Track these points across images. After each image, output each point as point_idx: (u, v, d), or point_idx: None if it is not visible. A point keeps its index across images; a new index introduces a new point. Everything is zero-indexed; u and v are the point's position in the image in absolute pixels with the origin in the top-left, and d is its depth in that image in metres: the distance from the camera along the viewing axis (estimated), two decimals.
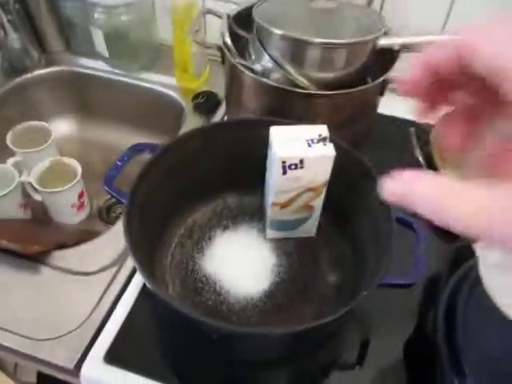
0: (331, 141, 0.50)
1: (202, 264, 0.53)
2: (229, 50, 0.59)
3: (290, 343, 0.45)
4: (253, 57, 0.61)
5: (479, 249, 0.39)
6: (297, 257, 0.55)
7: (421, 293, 0.54)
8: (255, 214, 0.58)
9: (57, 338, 0.47)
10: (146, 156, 0.52)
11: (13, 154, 0.74)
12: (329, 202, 0.57)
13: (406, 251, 0.44)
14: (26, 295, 0.51)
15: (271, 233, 0.56)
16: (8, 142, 0.73)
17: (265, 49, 0.58)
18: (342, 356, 0.50)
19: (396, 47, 0.62)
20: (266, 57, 0.58)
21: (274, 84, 0.56)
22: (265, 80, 0.57)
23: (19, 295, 0.51)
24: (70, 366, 0.45)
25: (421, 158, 0.61)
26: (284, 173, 0.47)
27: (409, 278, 0.41)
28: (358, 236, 0.53)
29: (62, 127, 0.88)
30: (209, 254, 0.54)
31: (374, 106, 0.65)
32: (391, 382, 0.48)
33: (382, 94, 0.62)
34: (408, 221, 0.45)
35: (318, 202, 0.53)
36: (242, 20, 0.62)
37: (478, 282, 0.48)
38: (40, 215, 0.75)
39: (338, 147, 0.52)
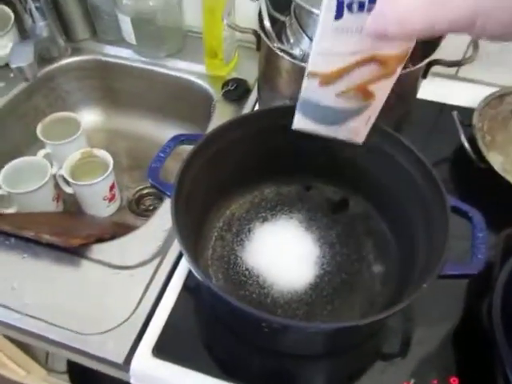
0: (378, 128, 0.48)
1: (244, 257, 0.52)
2: (266, 34, 0.57)
3: (339, 337, 0.44)
4: (291, 41, 0.58)
5: None
6: (340, 247, 0.53)
7: (471, 282, 0.52)
8: (294, 205, 0.57)
9: (104, 332, 0.47)
10: (184, 148, 0.50)
11: (42, 146, 0.74)
12: (373, 192, 0.56)
13: (461, 241, 0.43)
14: (69, 289, 0.51)
15: (300, 120, 0.40)
16: (38, 133, 0.73)
17: (304, 31, 0.56)
18: (384, 346, 0.49)
19: None
20: (306, 40, 0.56)
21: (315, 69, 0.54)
22: (303, 64, 0.55)
23: (63, 289, 0.51)
24: (120, 360, 0.45)
25: (467, 144, 0.59)
26: (338, 16, 0.29)
27: (468, 268, 0.40)
28: (406, 225, 0.51)
29: (90, 117, 0.87)
30: (249, 247, 0.53)
31: (416, 89, 0.62)
32: (435, 374, 0.46)
33: (424, 76, 0.60)
34: (463, 209, 0.43)
35: (384, 88, 0.35)
36: (278, 2, 0.60)
37: None
38: (71, 208, 0.75)
39: (385, 135, 0.50)
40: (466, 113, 0.64)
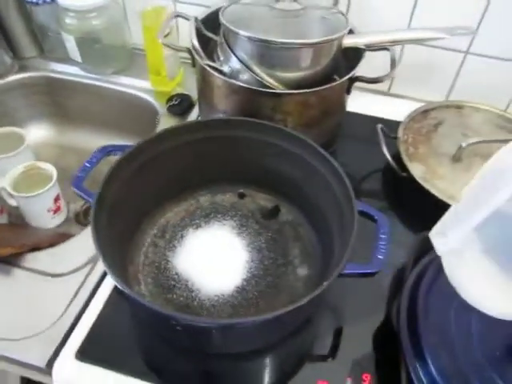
0: (302, 140, 0.52)
1: (175, 262, 0.54)
2: (197, 52, 0.60)
3: (257, 334, 0.46)
4: (221, 58, 0.62)
5: (432, 237, 0.41)
6: (268, 252, 0.56)
7: (389, 283, 0.56)
8: (227, 212, 0.60)
9: (28, 337, 0.48)
10: (116, 158, 0.52)
11: None
12: (300, 200, 0.59)
13: (370, 243, 0.46)
14: (1, 299, 0.51)
15: None
16: None
17: (232, 50, 0.59)
18: (314, 347, 0.51)
19: (361, 46, 0.64)
20: (234, 58, 0.59)
21: (242, 85, 0.58)
22: (233, 81, 0.59)
23: None
24: (42, 364, 0.46)
25: (387, 154, 0.63)
26: None
27: (369, 267, 0.43)
28: (327, 231, 0.54)
29: (38, 133, 0.89)
30: (181, 253, 0.55)
31: (342, 104, 0.67)
32: (360, 370, 0.49)
33: (348, 92, 0.64)
34: (370, 213, 0.47)
35: None
36: (212, 23, 0.64)
37: (439, 271, 0.50)
38: (16, 220, 0.75)
39: (308, 147, 0.53)
40: (395, 126, 0.69)
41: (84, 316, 0.50)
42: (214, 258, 0.54)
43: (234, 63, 0.60)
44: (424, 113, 0.73)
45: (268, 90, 0.57)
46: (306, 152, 0.54)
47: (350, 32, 0.66)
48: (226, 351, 0.50)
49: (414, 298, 0.48)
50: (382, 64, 0.63)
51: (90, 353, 0.48)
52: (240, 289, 0.52)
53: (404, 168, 0.63)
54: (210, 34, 0.65)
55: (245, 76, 0.60)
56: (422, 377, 0.43)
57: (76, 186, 0.47)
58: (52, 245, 0.59)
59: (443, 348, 0.44)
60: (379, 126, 0.66)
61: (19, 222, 0.75)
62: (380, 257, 0.43)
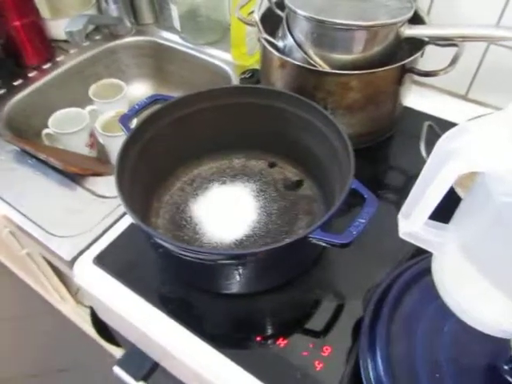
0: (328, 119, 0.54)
1: (192, 207, 0.61)
2: (258, 26, 0.65)
3: (245, 274, 0.50)
4: (280, 35, 0.66)
5: (399, 219, 0.40)
6: (276, 218, 0.59)
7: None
8: (253, 177, 0.64)
9: (65, 236, 0.60)
10: None
11: (92, 104, 0.90)
12: (322, 178, 0.61)
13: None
14: (56, 204, 0.64)
15: None
16: (90, 92, 0.89)
17: (288, 28, 0.63)
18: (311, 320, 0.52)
19: (424, 38, 0.62)
20: (289, 36, 0.63)
21: (288, 59, 0.61)
22: (281, 55, 0.63)
23: (52, 202, 0.65)
24: (68, 258, 0.57)
25: (424, 152, 0.60)
26: None
27: (338, 238, 0.43)
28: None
29: (139, 89, 1.03)
30: (200, 201, 0.61)
31: (393, 94, 0.65)
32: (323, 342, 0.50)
33: (400, 82, 0.63)
34: (361, 192, 0.47)
35: None
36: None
37: (418, 274, 0.48)
38: (103, 156, 0.90)
39: (313, 110, 0.55)
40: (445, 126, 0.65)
41: (110, 231, 0.60)
42: (225, 212, 0.60)
43: (289, 40, 0.63)
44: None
45: (310, 67, 0.60)
46: (329, 130, 0.56)
47: (421, 22, 0.64)
48: (216, 289, 0.54)
49: (385, 295, 0.47)
50: (464, 68, 0.59)
51: (105, 261, 0.57)
52: (238, 242, 0.57)
53: None
54: (278, 12, 0.69)
55: (297, 54, 0.63)
56: (370, 373, 0.43)
57: (121, 121, 0.56)
58: (111, 175, 0.70)
59: (400, 351, 0.43)
60: (426, 122, 0.63)
61: (104, 157, 0.90)
62: (353, 231, 0.44)
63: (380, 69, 0.59)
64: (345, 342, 0.50)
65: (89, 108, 0.89)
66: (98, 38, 0.98)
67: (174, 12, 0.90)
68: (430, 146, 0.61)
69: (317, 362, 0.48)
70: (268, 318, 0.53)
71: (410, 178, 0.67)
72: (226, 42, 0.93)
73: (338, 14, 0.59)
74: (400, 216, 0.39)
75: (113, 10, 0.94)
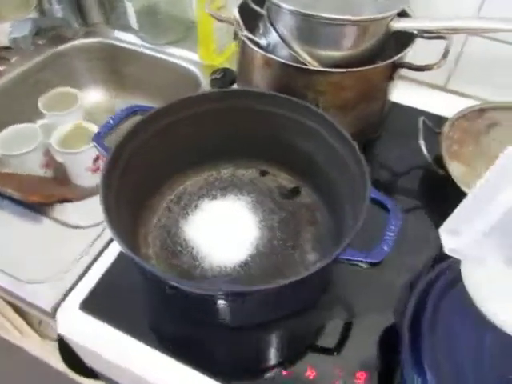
0: (318, 115, 0.50)
1: (185, 229, 0.55)
2: (237, 23, 0.59)
3: (252, 307, 0.45)
4: (261, 31, 0.61)
5: (442, 233, 0.37)
6: (279, 232, 0.54)
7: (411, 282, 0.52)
8: (245, 187, 0.59)
9: (40, 282, 0.51)
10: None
11: (44, 117, 0.80)
12: (321, 183, 0.57)
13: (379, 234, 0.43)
14: (22, 241, 0.55)
15: None
16: (39, 105, 0.79)
17: (272, 24, 0.58)
18: (321, 339, 0.49)
19: (413, 31, 0.59)
20: (273, 32, 0.58)
21: (274, 57, 0.56)
22: (267, 54, 0.57)
23: (16, 240, 0.55)
24: (48, 308, 0.49)
25: (424, 149, 0.58)
26: None
27: (370, 256, 0.40)
28: (343, 219, 0.52)
29: (94, 96, 0.93)
30: (192, 221, 0.55)
31: (384, 90, 0.62)
32: (356, 368, 0.46)
33: (391, 78, 0.60)
34: (383, 202, 0.44)
35: None
36: None
37: (453, 281, 0.45)
38: (61, 176, 0.80)
39: (322, 120, 0.51)
40: (442, 122, 0.64)
41: (93, 268, 0.53)
42: (223, 231, 0.54)
43: (273, 37, 0.58)
44: (479, 111, 0.66)
45: (301, 66, 0.55)
46: (329, 133, 0.52)
47: (405, 15, 0.61)
48: (221, 322, 0.49)
49: (422, 305, 0.44)
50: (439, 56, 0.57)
51: (93, 305, 0.50)
52: (243, 264, 0.51)
53: (443, 166, 0.58)
54: (256, 7, 0.64)
55: (283, 52, 0.58)
56: None
57: (95, 140, 0.49)
58: (80, 199, 0.62)
59: (449, 367, 0.40)
60: (421, 118, 0.61)
61: (63, 178, 0.80)
62: (385, 248, 0.40)
63: (374, 65, 0.56)
64: (372, 359, 0.46)
65: (40, 122, 0.79)
66: (41, 42, 0.87)
67: (130, 9, 0.81)
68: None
69: None
70: (289, 346, 0.49)
71: (409, 175, 0.65)
72: (189, 40, 0.86)
73: (326, 9, 0.54)
74: (443, 231, 0.36)
75: (57, 10, 0.84)
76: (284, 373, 0.46)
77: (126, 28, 0.88)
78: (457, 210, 0.35)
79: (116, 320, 0.49)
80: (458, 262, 0.44)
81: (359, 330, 0.49)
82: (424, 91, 0.77)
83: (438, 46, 0.58)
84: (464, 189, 0.56)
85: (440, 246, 0.51)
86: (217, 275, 0.51)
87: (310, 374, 0.45)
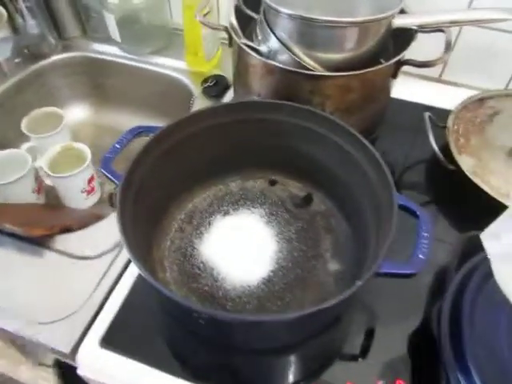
0: (338, 126, 0.48)
1: (201, 249, 0.52)
2: (234, 30, 0.57)
3: (283, 331, 0.44)
4: (259, 38, 0.59)
5: (484, 239, 0.37)
6: (297, 243, 0.53)
7: (429, 283, 0.51)
8: (257, 199, 0.57)
9: (54, 322, 0.47)
10: (146, 139, 0.51)
11: (28, 140, 0.76)
12: (335, 189, 0.56)
13: (410, 240, 0.42)
14: (27, 279, 0.52)
15: None
16: (23, 127, 0.74)
17: (271, 29, 0.56)
18: (345, 347, 0.48)
19: (413, 27, 0.58)
20: (273, 38, 0.56)
21: (279, 65, 0.54)
22: (269, 61, 0.56)
23: (21, 278, 0.52)
24: (67, 350, 0.46)
25: (434, 145, 0.58)
26: None
27: (409, 267, 0.39)
28: (362, 224, 0.51)
29: (77, 112, 0.89)
30: (208, 240, 0.53)
31: (387, 89, 0.62)
32: (393, 375, 0.46)
33: (394, 76, 0.59)
34: (411, 208, 0.43)
35: None
36: (253, 1, 0.60)
37: (487, 276, 0.45)
38: (54, 200, 0.76)
39: (343, 132, 0.50)
40: (444, 115, 0.64)
41: (109, 301, 0.50)
42: (241, 247, 0.52)
43: (273, 43, 0.56)
44: (479, 101, 0.66)
45: (306, 72, 0.54)
46: (341, 138, 0.51)
47: (402, 12, 0.61)
48: (250, 346, 0.48)
49: (457, 304, 0.44)
50: (435, 48, 0.57)
51: (114, 341, 0.47)
52: (266, 280, 0.50)
53: (452, 160, 0.58)
54: (250, 13, 0.62)
55: (283, 57, 0.57)
56: None
57: (104, 167, 0.46)
58: (83, 227, 0.58)
59: (490, 362, 0.39)
60: (427, 113, 0.60)
61: (56, 202, 0.76)
62: (421, 256, 0.39)
63: (380, 65, 0.54)
64: (412, 369, 0.45)
65: (26, 146, 0.75)
66: (17, 60, 0.82)
67: (110, 20, 0.78)
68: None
69: None
70: (321, 363, 0.47)
71: (415, 171, 0.65)
72: (173, 48, 0.83)
73: (325, 11, 0.53)
74: (486, 236, 0.35)
75: (32, 26, 0.79)
76: None
77: (106, 40, 0.84)
78: (500, 218, 0.34)
79: (139, 353, 0.46)
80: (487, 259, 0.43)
81: (386, 336, 0.48)
82: (419, 84, 0.76)
83: (433, 38, 0.57)
84: (476, 181, 0.55)
85: (464, 242, 0.51)
86: (240, 295, 0.49)
87: None
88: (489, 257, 0.35)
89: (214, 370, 0.47)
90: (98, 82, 0.87)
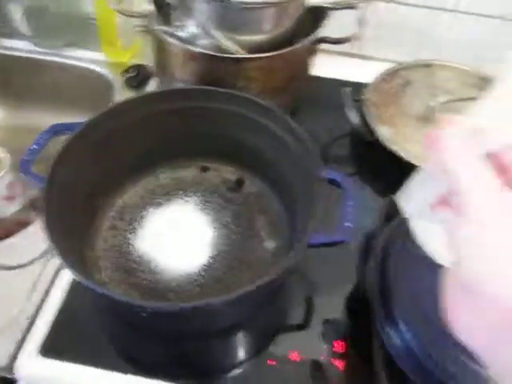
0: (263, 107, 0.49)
1: (136, 244, 0.51)
2: (152, 17, 0.56)
3: (227, 311, 0.44)
4: (177, 23, 0.57)
5: (400, 200, 0.39)
6: (234, 226, 0.54)
7: (358, 248, 0.54)
8: (190, 188, 0.57)
9: None
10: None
11: None
12: (265, 170, 0.57)
13: (338, 210, 0.44)
14: None
15: None
16: None
17: (189, 13, 0.55)
18: (289, 318, 0.50)
19: (327, 5, 0.60)
20: (191, 22, 0.55)
21: (199, 50, 0.54)
22: (189, 47, 0.55)
23: None
24: (2, 363, 0.43)
25: (352, 117, 0.60)
26: None
27: (338, 236, 0.41)
28: (293, 200, 0.52)
29: None
30: (142, 234, 0.52)
31: (305, 67, 0.63)
32: (332, 338, 0.48)
33: (314, 53, 0.61)
34: (336, 179, 0.45)
35: None
36: None
37: (408, 234, 0.48)
38: None
39: (268, 112, 0.51)
40: (362, 89, 0.66)
41: (44, 308, 0.47)
42: (177, 237, 0.52)
43: (191, 27, 0.56)
44: (392, 74, 0.70)
45: (227, 55, 0.54)
46: (268, 119, 0.52)
47: None
48: (196, 332, 0.48)
49: (383, 264, 0.47)
50: (352, 25, 0.59)
51: (55, 347, 0.45)
52: (207, 266, 0.50)
53: (371, 131, 0.61)
54: None
55: (203, 41, 0.56)
56: (395, 341, 0.42)
57: (24, 171, 0.44)
58: (7, 235, 0.55)
59: (416, 314, 0.43)
60: (346, 88, 0.63)
61: None
62: (348, 224, 0.41)
63: (300, 44, 0.56)
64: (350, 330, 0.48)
65: None
66: None
67: (17, 13, 0.72)
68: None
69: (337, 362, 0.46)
70: (268, 336, 0.49)
71: (337, 144, 0.67)
72: (90, 39, 0.79)
73: None
74: (400, 196, 0.38)
75: None
76: (269, 362, 0.46)
77: (13, 34, 0.78)
78: (410, 178, 0.37)
79: (83, 356, 0.45)
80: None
81: (324, 303, 0.51)
82: (339, 60, 0.79)
83: (345, 15, 0.60)
84: (394, 149, 0.59)
85: (386, 206, 0.55)
86: (181, 284, 0.49)
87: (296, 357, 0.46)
88: (405, 216, 0.38)
89: (163, 361, 0.47)
90: (9, 80, 0.81)
